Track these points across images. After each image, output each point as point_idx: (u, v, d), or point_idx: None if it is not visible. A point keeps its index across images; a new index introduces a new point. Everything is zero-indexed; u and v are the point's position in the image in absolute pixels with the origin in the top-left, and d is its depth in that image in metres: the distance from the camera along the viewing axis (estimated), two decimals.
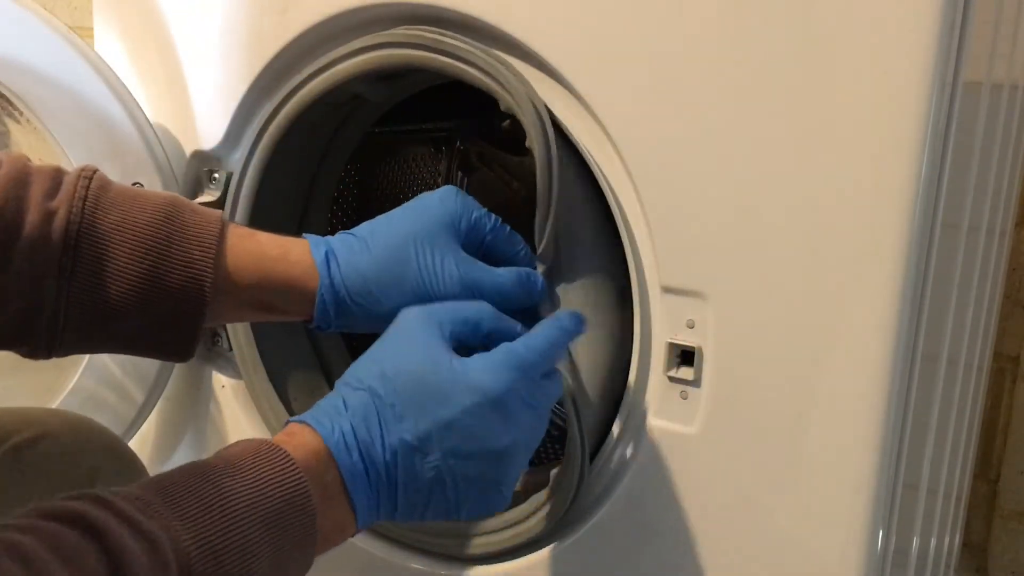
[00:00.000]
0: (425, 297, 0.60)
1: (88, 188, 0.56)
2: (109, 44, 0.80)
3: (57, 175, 0.57)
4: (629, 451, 0.62)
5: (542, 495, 0.65)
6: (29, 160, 0.57)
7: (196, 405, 0.83)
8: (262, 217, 0.76)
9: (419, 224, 0.61)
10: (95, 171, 0.58)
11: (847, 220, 0.52)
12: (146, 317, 0.57)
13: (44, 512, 0.40)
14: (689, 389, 0.59)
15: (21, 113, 0.75)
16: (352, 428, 0.50)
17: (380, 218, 0.63)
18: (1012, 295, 1.16)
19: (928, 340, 0.57)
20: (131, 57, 0.80)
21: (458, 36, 0.63)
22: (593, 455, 0.63)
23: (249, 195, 0.75)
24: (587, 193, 0.62)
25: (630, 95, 0.57)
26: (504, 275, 0.61)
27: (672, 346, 0.59)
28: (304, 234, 0.62)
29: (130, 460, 0.72)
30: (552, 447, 0.98)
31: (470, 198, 0.64)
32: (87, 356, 0.79)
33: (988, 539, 1.23)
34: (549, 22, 0.59)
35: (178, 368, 0.82)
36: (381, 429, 0.51)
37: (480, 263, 0.62)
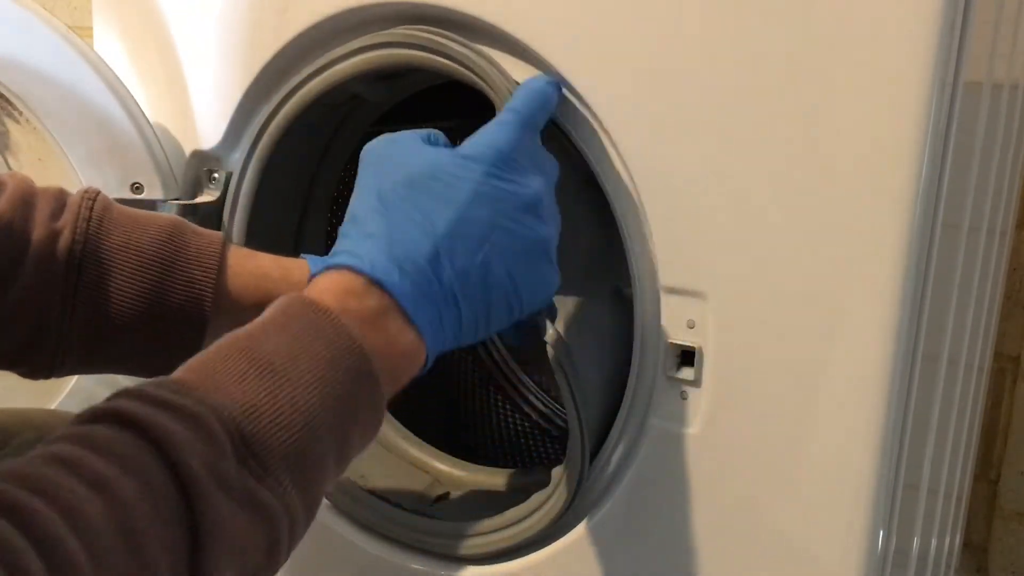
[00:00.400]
0: None
1: (92, 209, 0.57)
2: (109, 44, 0.80)
3: (61, 196, 0.57)
4: (629, 451, 0.62)
5: (542, 495, 0.65)
6: (33, 181, 0.58)
7: None
8: (262, 217, 0.76)
9: None
10: (98, 193, 0.58)
11: (847, 220, 0.52)
12: (147, 337, 0.57)
13: (82, 418, 0.39)
14: (689, 389, 0.59)
15: (21, 113, 0.75)
16: (383, 247, 0.48)
17: None
18: (1012, 295, 1.16)
19: (928, 340, 0.57)
20: (131, 57, 0.80)
21: (456, 37, 0.63)
22: (593, 455, 0.63)
23: (249, 195, 0.75)
24: (587, 193, 0.62)
25: (630, 95, 0.57)
26: None
27: (672, 346, 0.59)
28: (303, 255, 0.63)
29: None
30: (552, 447, 0.99)
31: None
32: None
33: (988, 539, 1.23)
34: (549, 22, 0.59)
35: None
36: (409, 237, 0.49)
37: None
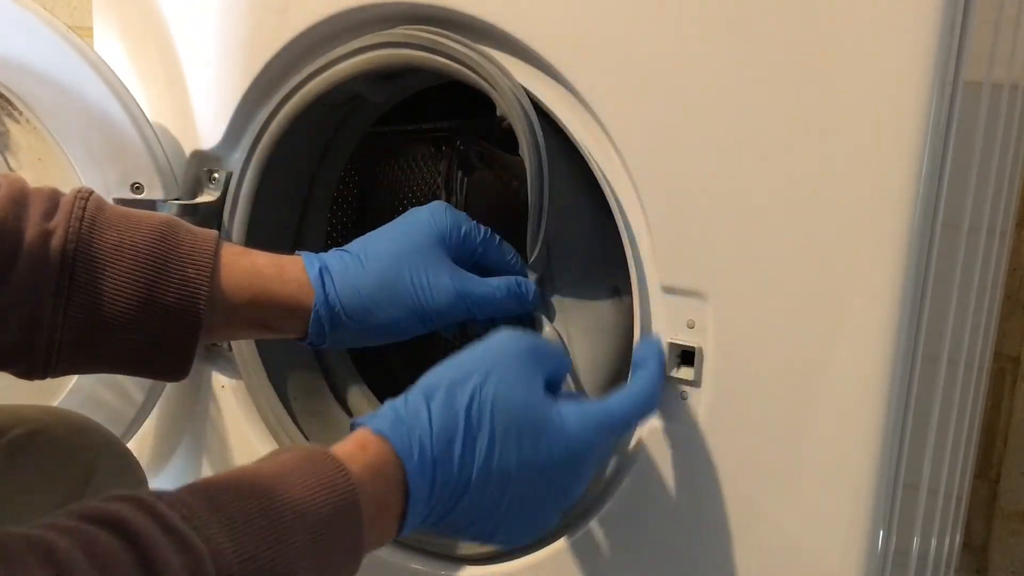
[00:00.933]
0: (419, 311, 0.62)
1: (85, 209, 0.57)
2: (109, 44, 0.80)
3: (54, 196, 0.57)
4: (629, 451, 0.62)
5: None
6: (26, 182, 0.58)
7: (196, 405, 0.83)
8: (262, 217, 0.76)
9: (411, 240, 0.63)
10: (91, 192, 0.58)
11: (847, 220, 0.52)
12: (141, 336, 0.57)
13: (86, 513, 0.39)
14: (689, 389, 0.59)
15: (21, 113, 0.75)
16: (432, 447, 0.49)
17: (372, 234, 0.65)
18: (1012, 295, 1.16)
19: (928, 340, 0.57)
20: (131, 57, 0.80)
21: (456, 37, 0.63)
22: None
23: (249, 195, 0.75)
24: (587, 193, 0.62)
25: (630, 95, 0.57)
26: (495, 285, 0.63)
27: (672, 346, 0.59)
28: (298, 251, 0.63)
29: (127, 458, 0.72)
30: None
31: (460, 212, 0.65)
32: None
33: (988, 540, 1.23)
34: (549, 21, 0.59)
35: None
36: (463, 451, 0.50)
37: (471, 275, 0.63)
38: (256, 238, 0.75)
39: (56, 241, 0.55)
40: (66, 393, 0.80)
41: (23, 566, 0.35)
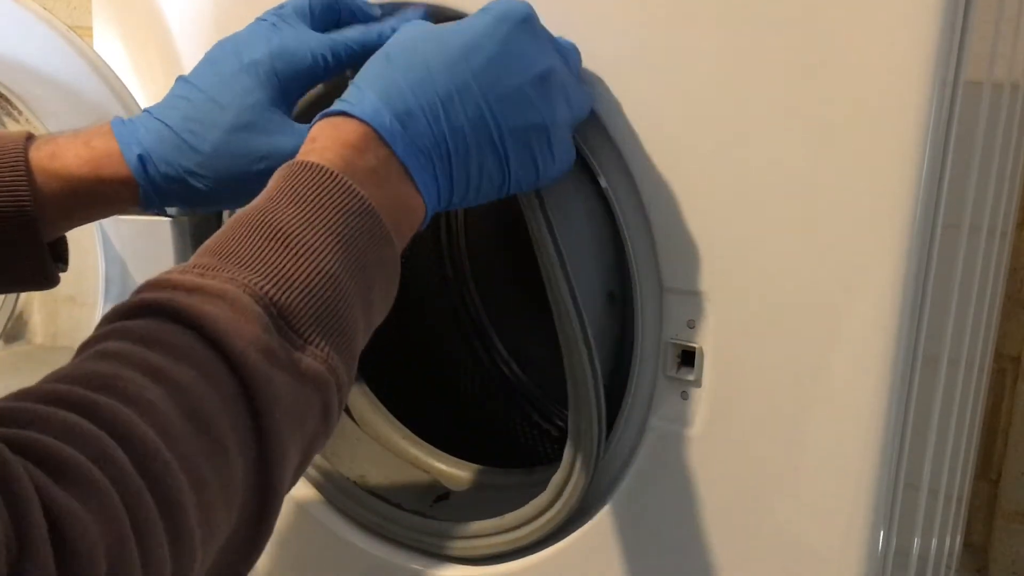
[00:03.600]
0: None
1: None
2: (108, 43, 0.80)
3: None
4: (629, 452, 0.62)
5: (543, 497, 0.65)
6: None
7: None
8: None
9: (244, 99, 0.56)
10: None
11: (848, 220, 0.52)
12: None
13: (114, 315, 0.39)
14: (689, 389, 0.59)
15: (20, 112, 0.75)
16: (385, 99, 0.47)
17: (200, 80, 0.58)
18: (1013, 295, 1.16)
19: (929, 341, 0.57)
20: (130, 56, 0.80)
21: None
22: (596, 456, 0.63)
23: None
24: (587, 192, 0.62)
25: (630, 95, 0.57)
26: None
27: (672, 346, 0.59)
28: (112, 121, 0.58)
29: None
30: (552, 447, 0.98)
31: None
32: None
33: (989, 540, 1.22)
34: (549, 22, 0.59)
35: None
36: (411, 92, 0.48)
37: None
38: None
39: None
40: None
41: (111, 378, 0.34)
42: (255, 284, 0.39)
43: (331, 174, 0.44)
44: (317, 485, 0.77)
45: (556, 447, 0.99)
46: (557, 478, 0.64)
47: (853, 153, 0.51)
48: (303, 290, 0.40)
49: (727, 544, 0.59)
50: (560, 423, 1.00)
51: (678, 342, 0.59)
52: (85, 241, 0.74)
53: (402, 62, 0.49)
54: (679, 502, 0.60)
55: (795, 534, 0.57)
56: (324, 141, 0.47)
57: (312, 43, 0.56)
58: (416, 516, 0.72)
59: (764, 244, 0.54)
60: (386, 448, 0.78)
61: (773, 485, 0.57)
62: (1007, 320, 1.14)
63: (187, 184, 0.57)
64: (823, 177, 0.52)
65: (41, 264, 0.57)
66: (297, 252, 0.41)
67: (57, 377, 0.35)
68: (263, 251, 0.41)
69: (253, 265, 0.40)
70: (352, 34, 0.57)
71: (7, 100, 0.75)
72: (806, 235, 0.53)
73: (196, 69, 0.59)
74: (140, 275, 0.76)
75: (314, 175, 0.44)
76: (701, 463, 0.59)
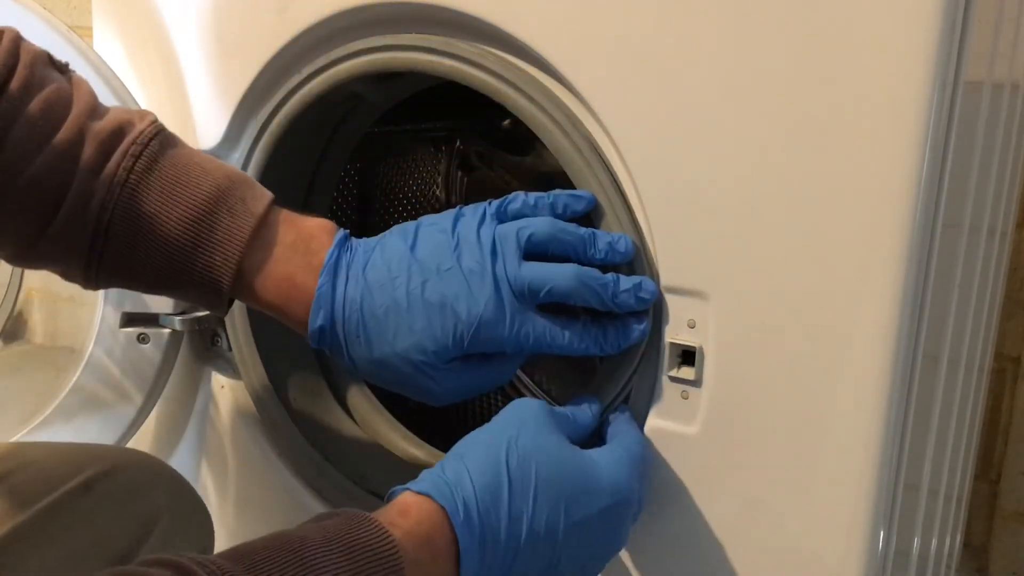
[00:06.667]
0: None
1: (133, 167, 0.57)
2: (108, 43, 0.80)
3: (117, 132, 0.58)
4: None
5: None
6: (97, 99, 0.60)
7: (195, 405, 0.83)
8: None
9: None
10: (150, 139, 0.59)
11: (848, 220, 0.52)
12: (175, 294, 0.62)
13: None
14: (690, 389, 0.59)
15: None
16: (477, 504, 0.48)
17: None
18: (1013, 295, 1.16)
19: (929, 340, 0.57)
20: (130, 56, 0.80)
21: (459, 43, 0.63)
22: None
23: None
24: None
25: (630, 95, 0.57)
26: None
27: (672, 346, 0.59)
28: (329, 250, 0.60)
29: (195, 501, 0.72)
30: None
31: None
32: (86, 355, 0.80)
33: (989, 540, 1.22)
34: (549, 22, 0.59)
35: (178, 368, 0.82)
36: (510, 504, 0.49)
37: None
38: None
39: (95, 204, 0.56)
40: (66, 393, 0.80)
41: None
42: None
43: (392, 549, 0.44)
44: (316, 485, 0.77)
45: None
46: None
47: (853, 152, 0.51)
48: None
49: (726, 543, 0.59)
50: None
51: (678, 342, 0.59)
52: None
53: (518, 492, 0.49)
54: (678, 501, 0.60)
55: (794, 533, 0.57)
56: (416, 513, 0.47)
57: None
58: None
59: (764, 244, 0.54)
60: (386, 448, 0.78)
61: (773, 485, 0.57)
62: (1007, 320, 1.14)
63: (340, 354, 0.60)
64: (823, 177, 0.52)
65: (218, 309, 0.62)
66: None
67: None
68: None
69: None
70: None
71: None
72: (806, 235, 0.53)
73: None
74: None
75: (381, 553, 0.44)
76: (701, 463, 0.59)
